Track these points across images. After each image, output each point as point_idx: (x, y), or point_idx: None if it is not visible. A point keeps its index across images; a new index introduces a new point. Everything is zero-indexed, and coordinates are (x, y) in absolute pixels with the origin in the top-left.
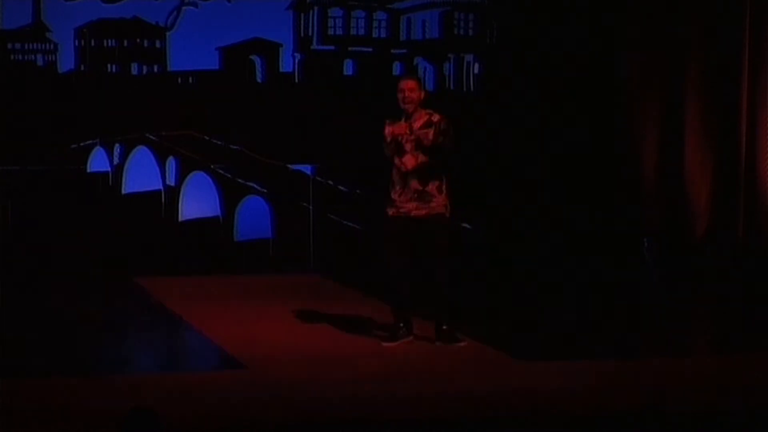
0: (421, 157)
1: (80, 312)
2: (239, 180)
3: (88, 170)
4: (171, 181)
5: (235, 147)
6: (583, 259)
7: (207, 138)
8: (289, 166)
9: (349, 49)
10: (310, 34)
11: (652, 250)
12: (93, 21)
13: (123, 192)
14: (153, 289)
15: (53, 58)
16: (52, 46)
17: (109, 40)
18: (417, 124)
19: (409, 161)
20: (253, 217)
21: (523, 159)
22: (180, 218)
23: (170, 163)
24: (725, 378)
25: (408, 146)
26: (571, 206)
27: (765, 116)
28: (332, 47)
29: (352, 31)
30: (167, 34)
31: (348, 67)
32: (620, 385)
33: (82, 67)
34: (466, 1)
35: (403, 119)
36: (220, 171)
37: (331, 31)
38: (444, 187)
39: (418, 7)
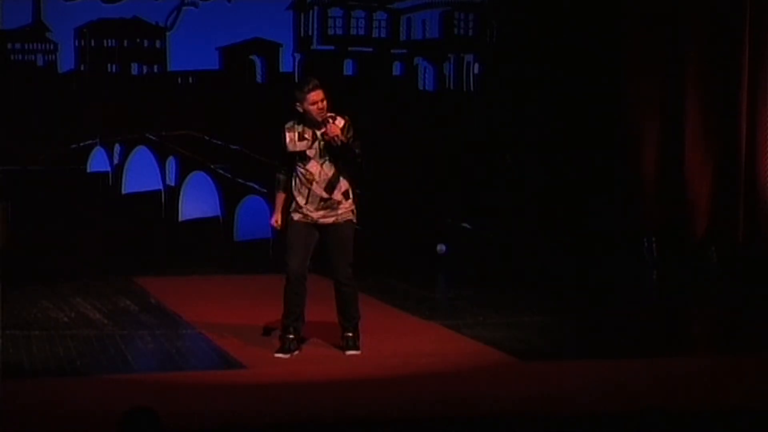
0: (327, 164)
1: (80, 312)
2: (239, 180)
3: (88, 170)
4: (171, 181)
5: (235, 147)
6: (584, 259)
7: (207, 138)
8: None
9: (349, 49)
10: (310, 34)
11: (652, 250)
12: (93, 21)
13: (123, 192)
14: (153, 289)
15: (53, 58)
16: (52, 46)
17: (109, 40)
18: (321, 130)
19: (313, 168)
20: (253, 217)
21: (523, 159)
22: (180, 218)
23: (170, 163)
24: (725, 378)
25: (312, 153)
26: (571, 206)
27: (765, 116)
28: (332, 47)
29: (352, 31)
30: (167, 34)
31: (348, 67)
32: (621, 385)
33: (82, 67)
34: (466, 1)
35: (302, 127)
36: (220, 171)
37: (331, 31)
38: (351, 191)
39: (418, 7)
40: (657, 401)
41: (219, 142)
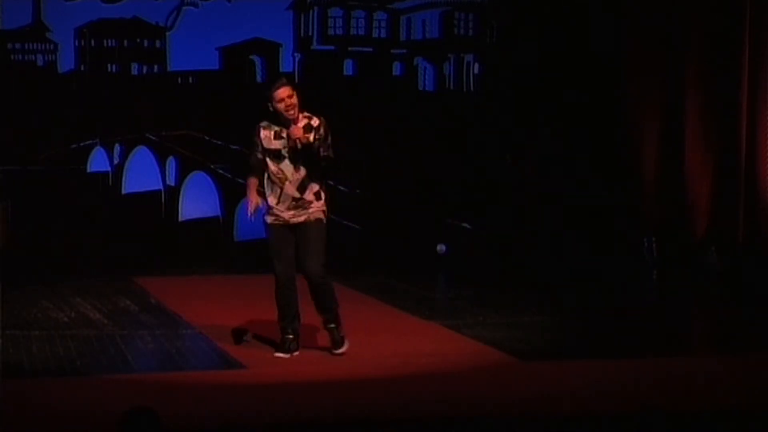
0: (300, 165)
1: (80, 312)
2: (239, 180)
3: (88, 170)
4: (171, 181)
5: (235, 147)
6: (584, 259)
7: (207, 138)
8: None
9: (349, 49)
10: (310, 34)
11: (652, 250)
12: (93, 21)
13: (123, 192)
14: (153, 289)
15: (53, 58)
16: (52, 46)
17: (109, 40)
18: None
19: (287, 167)
20: None
21: (523, 158)
22: (180, 218)
23: (170, 163)
24: (725, 378)
25: (286, 152)
26: (571, 206)
27: (765, 116)
28: (332, 47)
29: (352, 31)
30: (167, 34)
31: (348, 67)
32: (621, 385)
33: (82, 67)
34: (466, 1)
35: (280, 127)
36: (220, 171)
37: (331, 31)
38: (322, 192)
39: (418, 7)
40: (657, 401)
41: (219, 142)
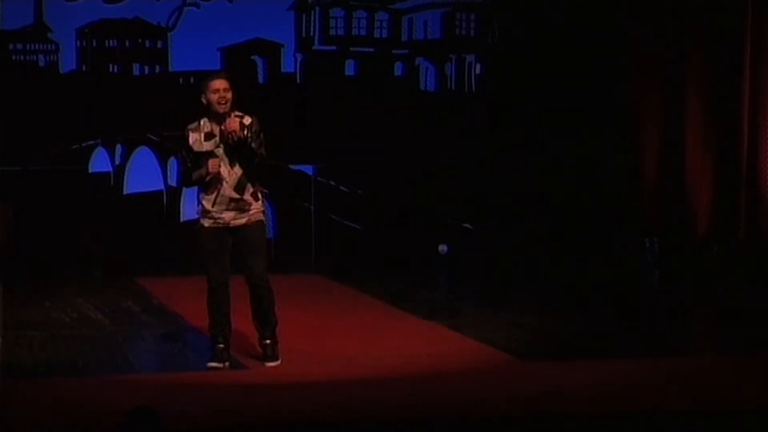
0: (235, 163)
1: (81, 312)
2: None
3: (90, 170)
4: (172, 181)
5: None
6: (583, 260)
7: None
8: (290, 166)
9: (351, 49)
10: (311, 34)
11: (652, 250)
12: (94, 21)
13: (124, 192)
14: (153, 289)
15: (55, 59)
16: (53, 47)
17: (111, 41)
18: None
19: (222, 168)
20: None
21: (524, 159)
22: (181, 218)
23: (172, 163)
24: (725, 378)
25: (220, 152)
26: (571, 206)
27: (766, 116)
28: (334, 47)
29: (354, 32)
30: (169, 34)
31: (349, 68)
32: (620, 385)
33: (84, 68)
34: (468, 1)
35: (209, 125)
36: None
37: (332, 32)
38: (259, 193)
39: (419, 8)
40: (657, 401)
41: None
